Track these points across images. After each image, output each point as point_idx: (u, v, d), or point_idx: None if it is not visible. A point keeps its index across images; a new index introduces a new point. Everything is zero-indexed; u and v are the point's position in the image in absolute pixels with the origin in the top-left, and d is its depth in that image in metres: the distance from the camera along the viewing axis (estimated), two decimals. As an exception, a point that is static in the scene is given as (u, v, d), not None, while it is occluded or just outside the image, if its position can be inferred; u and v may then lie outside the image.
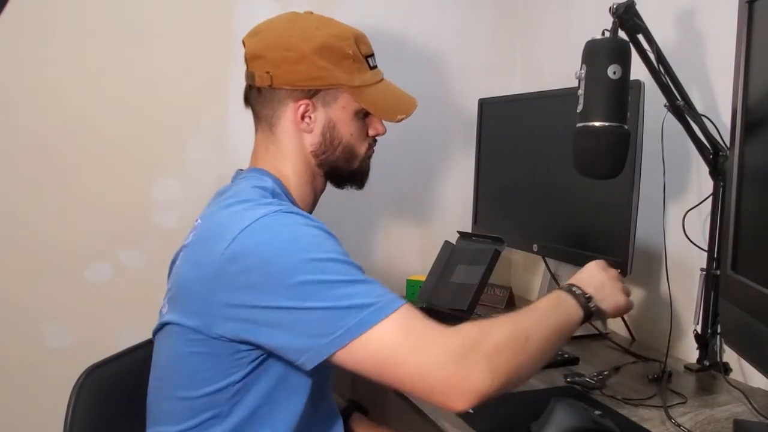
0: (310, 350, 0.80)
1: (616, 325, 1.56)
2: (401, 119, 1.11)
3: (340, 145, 1.07)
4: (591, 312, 0.94)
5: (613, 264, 1.32)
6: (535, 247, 1.59)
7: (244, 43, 1.07)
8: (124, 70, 1.58)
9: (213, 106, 1.66)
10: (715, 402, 1.14)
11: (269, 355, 0.88)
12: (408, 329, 0.80)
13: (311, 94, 1.03)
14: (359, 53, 1.06)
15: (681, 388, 1.18)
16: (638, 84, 1.25)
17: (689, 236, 1.32)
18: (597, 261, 1.03)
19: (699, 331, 1.29)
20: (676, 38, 1.40)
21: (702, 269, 1.28)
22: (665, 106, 1.22)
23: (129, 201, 1.61)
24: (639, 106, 1.26)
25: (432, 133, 1.91)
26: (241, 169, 1.08)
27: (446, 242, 1.62)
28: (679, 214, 1.35)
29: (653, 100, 1.25)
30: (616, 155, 1.11)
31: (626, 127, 1.10)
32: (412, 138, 1.89)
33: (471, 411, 0.87)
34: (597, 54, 1.10)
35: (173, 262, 0.98)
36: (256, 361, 0.88)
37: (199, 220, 0.97)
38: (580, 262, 1.47)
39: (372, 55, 1.10)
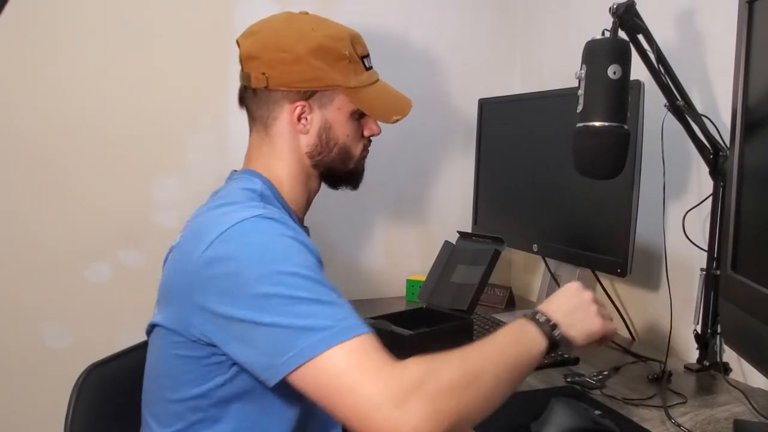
0: (269, 369, 0.79)
1: (616, 325, 1.56)
2: (397, 120, 1.11)
3: (335, 146, 1.06)
4: (556, 340, 0.87)
5: (613, 267, 1.33)
6: (535, 247, 1.59)
7: (238, 43, 1.07)
8: (124, 70, 1.58)
9: (213, 106, 1.66)
10: (715, 402, 1.14)
11: None
12: (356, 361, 0.76)
13: (307, 95, 1.03)
14: (355, 54, 1.05)
15: (681, 388, 1.18)
16: (638, 84, 1.25)
17: (689, 236, 1.32)
18: (572, 283, 0.96)
19: (699, 331, 1.29)
20: (676, 38, 1.40)
21: (702, 269, 1.28)
22: (665, 106, 1.22)
23: (129, 201, 1.61)
24: (639, 106, 1.26)
25: (432, 133, 1.91)
26: (235, 170, 1.08)
27: (446, 242, 1.62)
28: (679, 214, 1.35)
29: (653, 100, 1.25)
30: (616, 155, 1.11)
31: (626, 127, 1.10)
32: (412, 138, 1.89)
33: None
34: (597, 54, 1.10)
35: (165, 263, 0.98)
36: (237, 366, 0.87)
37: (189, 221, 0.97)
38: (580, 262, 1.48)
39: (367, 55, 1.09)
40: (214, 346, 0.86)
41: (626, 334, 1.53)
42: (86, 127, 1.57)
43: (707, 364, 1.28)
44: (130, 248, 1.61)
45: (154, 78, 1.61)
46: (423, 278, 1.61)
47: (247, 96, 1.06)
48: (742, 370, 1.26)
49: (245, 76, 1.04)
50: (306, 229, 1.14)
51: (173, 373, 0.92)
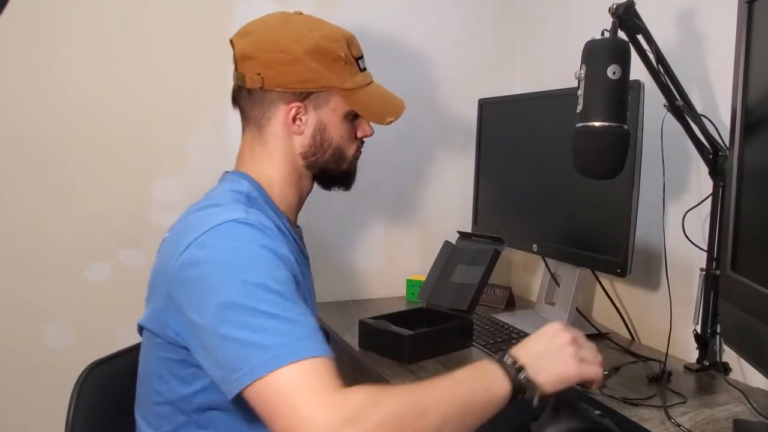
0: (224, 383, 0.79)
1: (616, 325, 1.56)
2: (390, 122, 1.11)
3: (330, 147, 1.06)
4: (521, 384, 0.83)
5: (613, 267, 1.33)
6: (535, 247, 1.59)
7: (232, 43, 1.06)
8: (124, 71, 1.58)
9: (213, 106, 1.66)
10: (715, 402, 1.14)
11: None
12: (304, 382, 0.75)
13: (303, 96, 1.03)
14: (350, 55, 1.05)
15: (681, 388, 1.18)
16: (638, 84, 1.25)
17: (689, 236, 1.32)
18: (551, 324, 0.91)
19: (699, 331, 1.29)
20: (676, 38, 1.40)
21: (702, 269, 1.28)
22: (665, 106, 1.22)
23: (129, 201, 1.61)
24: (639, 106, 1.26)
25: (432, 133, 1.91)
26: (227, 171, 1.08)
27: (446, 242, 1.62)
28: (678, 214, 1.35)
29: (653, 100, 1.25)
30: (615, 155, 1.11)
31: (626, 127, 1.10)
32: (412, 138, 1.89)
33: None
34: (597, 54, 1.10)
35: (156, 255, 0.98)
36: None
37: (177, 220, 0.98)
38: (580, 262, 1.48)
39: (362, 57, 1.09)
40: (187, 349, 0.86)
41: (626, 334, 1.53)
42: (86, 127, 1.57)
43: (707, 364, 1.28)
44: (130, 248, 1.61)
45: (154, 78, 1.61)
46: (423, 278, 1.61)
47: (241, 96, 1.05)
48: (742, 370, 1.26)
49: (240, 76, 1.03)
50: (299, 230, 1.14)
51: (157, 375, 0.93)
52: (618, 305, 1.55)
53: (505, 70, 1.98)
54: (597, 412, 0.96)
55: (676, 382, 1.22)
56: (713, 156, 1.25)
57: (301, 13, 1.08)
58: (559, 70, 1.79)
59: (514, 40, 1.98)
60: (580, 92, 1.11)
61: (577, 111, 1.12)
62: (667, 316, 1.34)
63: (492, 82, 1.94)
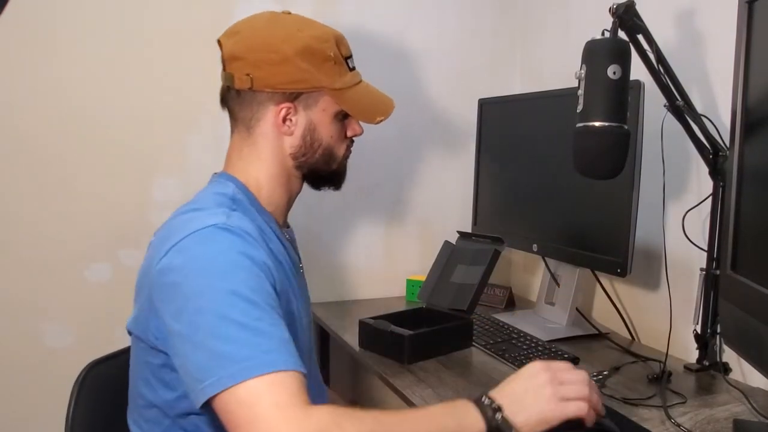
0: (192, 392, 0.79)
1: (616, 325, 1.56)
2: (380, 121, 1.10)
3: (320, 147, 1.06)
4: (497, 425, 0.80)
5: (613, 267, 1.33)
6: (535, 247, 1.59)
7: (220, 43, 1.05)
8: (124, 70, 1.58)
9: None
10: (715, 402, 1.14)
11: None
12: (264, 397, 0.75)
13: (293, 96, 1.02)
14: (340, 55, 1.05)
15: (681, 388, 1.18)
16: (638, 84, 1.25)
17: (689, 236, 1.32)
18: (533, 363, 0.88)
19: (699, 331, 1.29)
20: (676, 38, 1.40)
21: (702, 269, 1.28)
22: (665, 106, 1.22)
23: (129, 201, 1.61)
24: (639, 106, 1.26)
25: (432, 133, 1.91)
26: (216, 173, 1.08)
27: (446, 242, 1.62)
28: (678, 214, 1.35)
29: (653, 100, 1.25)
30: (616, 155, 1.11)
31: (626, 127, 1.10)
32: (412, 138, 1.89)
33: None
34: (597, 54, 1.10)
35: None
36: None
37: (165, 221, 0.98)
38: (580, 262, 1.48)
39: (351, 56, 1.08)
40: (167, 354, 0.86)
41: (626, 334, 1.53)
42: (86, 127, 1.57)
43: (707, 364, 1.28)
44: (130, 248, 1.61)
45: (154, 78, 1.61)
46: (423, 278, 1.61)
47: (230, 97, 1.04)
48: (742, 370, 1.26)
49: (228, 77, 1.02)
50: (290, 230, 1.13)
51: (143, 379, 0.93)
52: (618, 305, 1.55)
53: (505, 70, 1.98)
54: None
55: (676, 382, 1.22)
56: (713, 156, 1.25)
57: (289, 13, 1.07)
58: (559, 70, 1.79)
59: (514, 40, 1.98)
60: (580, 92, 1.11)
61: (577, 111, 1.12)
62: (667, 316, 1.34)
63: (492, 82, 1.94)
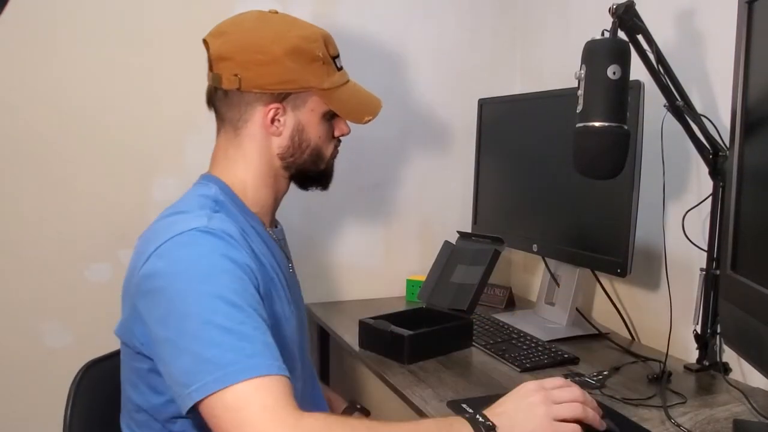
0: (178, 397, 0.79)
1: (616, 325, 1.56)
2: (368, 120, 1.10)
3: (308, 147, 1.05)
4: None
5: (613, 267, 1.33)
6: (535, 247, 1.59)
7: (207, 43, 1.04)
8: (124, 70, 1.58)
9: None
10: (715, 402, 1.14)
11: None
12: (252, 400, 0.75)
13: (281, 97, 1.01)
14: (328, 55, 1.04)
15: (681, 388, 1.18)
16: (638, 84, 1.25)
17: (689, 236, 1.32)
18: (527, 383, 0.88)
19: (699, 331, 1.29)
20: (676, 38, 1.40)
21: (702, 269, 1.28)
22: (665, 106, 1.22)
23: (129, 201, 1.61)
24: (639, 106, 1.26)
25: (432, 133, 1.91)
26: (202, 174, 1.07)
27: (446, 242, 1.62)
28: (678, 214, 1.35)
29: (653, 100, 1.25)
30: (616, 155, 1.11)
31: (626, 127, 1.10)
32: (412, 138, 1.89)
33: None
34: (597, 54, 1.10)
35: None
36: None
37: (151, 224, 0.97)
38: (580, 262, 1.48)
39: (338, 55, 1.08)
40: (152, 359, 0.87)
41: (626, 334, 1.53)
42: (86, 126, 1.57)
43: (707, 364, 1.28)
44: (130, 248, 1.59)
45: (154, 78, 1.61)
46: (423, 278, 1.61)
47: (217, 97, 1.04)
48: (742, 370, 1.26)
49: (216, 77, 1.01)
50: (278, 230, 1.13)
51: (131, 384, 0.94)
52: (618, 305, 1.55)
53: (505, 70, 1.98)
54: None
55: (676, 382, 1.22)
56: (713, 156, 1.25)
57: (276, 12, 1.06)
58: (559, 70, 1.79)
59: (514, 40, 1.98)
60: (580, 92, 1.11)
61: (577, 111, 1.12)
62: (667, 316, 1.34)
63: (492, 82, 1.94)
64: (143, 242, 0.92)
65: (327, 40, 1.06)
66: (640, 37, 1.17)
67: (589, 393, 1.14)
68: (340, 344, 1.52)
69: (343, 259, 1.85)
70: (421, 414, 1.08)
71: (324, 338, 1.81)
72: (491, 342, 1.40)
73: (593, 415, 0.87)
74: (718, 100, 1.31)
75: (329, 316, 1.67)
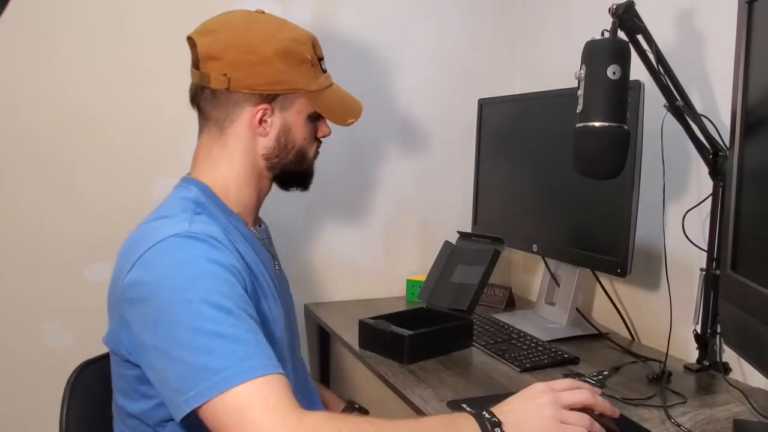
0: (173, 404, 0.79)
1: (616, 325, 1.56)
2: (351, 123, 1.11)
3: (293, 148, 1.06)
4: None
5: (613, 267, 1.33)
6: (535, 247, 1.59)
7: (193, 41, 1.03)
8: (124, 70, 1.58)
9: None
10: (715, 402, 1.14)
11: None
12: (254, 401, 0.75)
13: (270, 98, 1.01)
14: (315, 57, 1.05)
15: (681, 388, 1.18)
16: (638, 84, 1.25)
17: (689, 236, 1.32)
18: (538, 384, 0.88)
19: (699, 331, 1.29)
20: (676, 38, 1.40)
21: (702, 269, 1.28)
22: (665, 106, 1.22)
23: (129, 201, 1.61)
24: (639, 106, 1.26)
25: (432, 133, 1.91)
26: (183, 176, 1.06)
27: (446, 242, 1.62)
28: (678, 214, 1.35)
29: (653, 100, 1.25)
30: (616, 155, 1.11)
31: (626, 127, 1.10)
32: (413, 138, 1.89)
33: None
34: (597, 54, 1.10)
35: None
36: None
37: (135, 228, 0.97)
38: (580, 262, 1.48)
39: (323, 58, 1.09)
40: (140, 367, 0.87)
41: (626, 334, 1.53)
42: (86, 127, 1.57)
43: (707, 364, 1.28)
44: (130, 248, 1.61)
45: (153, 78, 1.61)
46: (423, 278, 1.61)
47: (204, 96, 1.02)
48: (742, 370, 1.26)
49: (204, 76, 1.00)
50: (261, 228, 1.13)
51: (121, 390, 0.94)
52: (618, 305, 1.55)
53: (505, 70, 1.98)
54: (596, 412, 0.96)
55: (676, 382, 1.22)
56: (713, 156, 1.25)
57: (263, 12, 1.06)
58: (559, 70, 1.79)
59: (514, 40, 1.98)
60: (580, 92, 1.11)
61: (577, 111, 1.12)
62: (667, 316, 1.34)
63: (492, 82, 1.94)
64: (125, 250, 0.91)
65: (314, 42, 1.06)
66: (640, 37, 1.17)
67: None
68: (340, 344, 1.52)
69: (343, 259, 1.85)
70: (421, 414, 1.08)
71: (324, 338, 1.81)
72: (491, 342, 1.40)
73: (599, 429, 0.87)
74: (718, 100, 1.31)
75: (329, 316, 1.67)
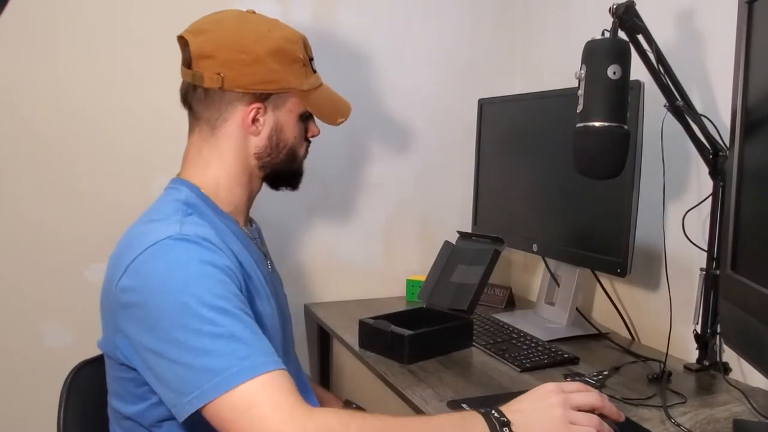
0: (176, 405, 0.79)
1: (616, 325, 1.56)
2: (341, 122, 1.12)
3: (285, 148, 1.06)
4: None
5: (613, 267, 1.33)
6: (535, 247, 1.59)
7: (185, 40, 1.02)
8: (124, 70, 1.58)
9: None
10: (715, 402, 1.14)
11: None
12: (260, 398, 0.75)
13: (263, 97, 1.02)
14: (306, 57, 1.06)
15: (681, 388, 1.18)
16: (638, 84, 1.25)
17: (689, 236, 1.32)
18: (548, 384, 0.88)
19: (699, 331, 1.29)
20: (676, 38, 1.40)
21: (702, 269, 1.28)
22: (665, 106, 1.22)
23: (129, 201, 1.61)
24: (639, 106, 1.26)
25: (432, 133, 1.91)
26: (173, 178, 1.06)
27: (446, 242, 1.62)
28: (678, 214, 1.35)
29: (653, 100, 1.25)
30: (616, 155, 1.11)
31: (626, 127, 1.10)
32: (413, 138, 1.89)
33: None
34: (597, 54, 1.10)
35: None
36: None
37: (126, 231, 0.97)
38: (580, 262, 1.48)
39: (313, 58, 1.09)
40: (136, 370, 0.87)
41: (626, 334, 1.53)
42: (86, 127, 1.57)
43: (707, 363, 1.28)
44: (130, 248, 1.61)
45: (154, 77, 1.60)
46: (423, 278, 1.61)
47: (196, 96, 1.03)
48: (742, 370, 1.26)
49: (197, 76, 1.00)
50: (253, 227, 1.13)
51: (116, 393, 0.94)
52: (618, 305, 1.55)
53: (505, 70, 1.98)
54: (598, 413, 0.96)
55: (676, 382, 1.22)
56: (713, 156, 1.25)
57: (253, 12, 1.07)
58: (559, 70, 1.79)
59: (514, 40, 1.98)
60: (580, 92, 1.11)
61: (577, 111, 1.12)
62: (667, 316, 1.34)
63: (492, 82, 1.94)
64: (117, 254, 0.90)
65: (305, 42, 1.07)
66: (640, 37, 1.17)
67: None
68: (340, 344, 1.52)
69: (343, 259, 1.85)
70: (420, 414, 1.08)
71: (324, 338, 1.81)
72: (491, 342, 1.40)
73: (608, 429, 0.87)
74: (718, 100, 1.31)
75: (329, 316, 1.67)
